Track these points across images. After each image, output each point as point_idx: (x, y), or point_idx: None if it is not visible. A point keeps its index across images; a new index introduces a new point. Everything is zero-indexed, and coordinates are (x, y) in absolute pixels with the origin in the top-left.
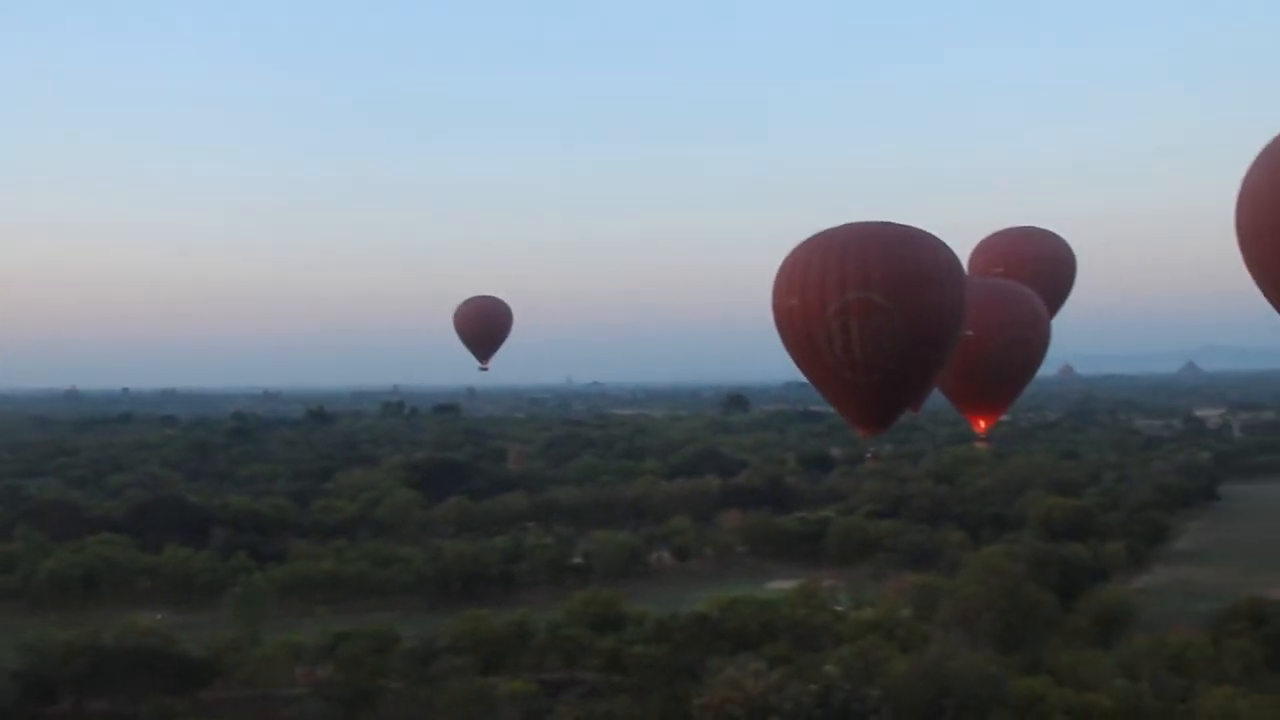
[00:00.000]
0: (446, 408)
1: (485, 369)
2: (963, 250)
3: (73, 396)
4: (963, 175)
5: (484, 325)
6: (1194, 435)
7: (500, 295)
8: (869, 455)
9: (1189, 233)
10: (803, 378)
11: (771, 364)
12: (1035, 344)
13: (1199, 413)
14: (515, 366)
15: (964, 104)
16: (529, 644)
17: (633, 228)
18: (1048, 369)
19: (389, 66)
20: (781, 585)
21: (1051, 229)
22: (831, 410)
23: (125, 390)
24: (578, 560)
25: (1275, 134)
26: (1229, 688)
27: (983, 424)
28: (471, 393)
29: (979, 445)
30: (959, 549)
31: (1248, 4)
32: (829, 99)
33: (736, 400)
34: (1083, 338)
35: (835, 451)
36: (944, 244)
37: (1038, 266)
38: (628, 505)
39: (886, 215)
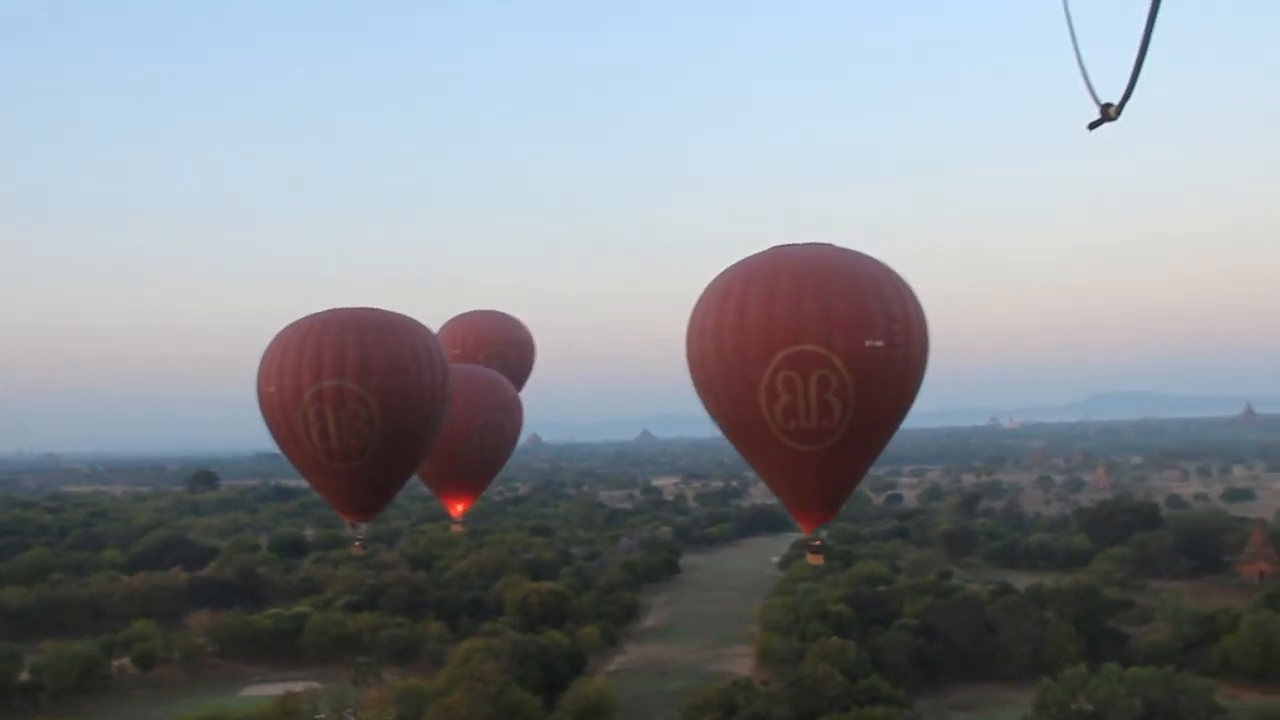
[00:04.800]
0: None
1: None
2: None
3: None
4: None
5: None
6: (654, 507)
7: None
8: (357, 543)
9: (645, 312)
10: (276, 449)
11: (243, 433)
12: (508, 428)
13: (656, 482)
14: None
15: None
16: None
17: (101, 288)
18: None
19: None
20: (258, 692)
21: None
22: (306, 486)
23: None
24: (26, 677)
25: (714, 277)
26: None
27: (459, 508)
28: None
29: (455, 529)
30: (440, 642)
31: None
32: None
33: (204, 476)
34: (548, 408)
35: (309, 533)
36: (426, 330)
37: (496, 349)
38: (84, 606)
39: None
